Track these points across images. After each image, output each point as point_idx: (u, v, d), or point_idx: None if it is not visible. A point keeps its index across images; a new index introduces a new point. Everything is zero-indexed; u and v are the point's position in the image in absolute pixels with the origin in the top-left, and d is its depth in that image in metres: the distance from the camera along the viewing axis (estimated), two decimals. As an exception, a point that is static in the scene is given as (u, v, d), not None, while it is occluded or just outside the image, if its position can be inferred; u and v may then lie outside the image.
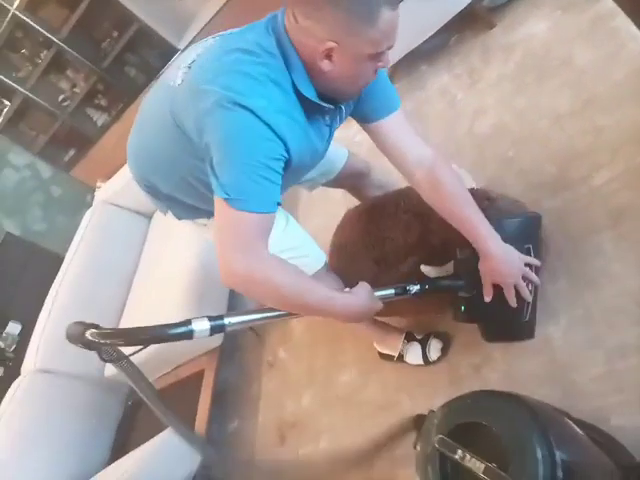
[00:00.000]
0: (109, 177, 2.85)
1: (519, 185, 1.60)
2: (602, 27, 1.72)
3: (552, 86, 1.75)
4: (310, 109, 1.00)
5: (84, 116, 3.34)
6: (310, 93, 0.97)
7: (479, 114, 1.93)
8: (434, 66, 2.28)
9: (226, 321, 0.97)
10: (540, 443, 0.70)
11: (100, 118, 3.36)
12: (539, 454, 0.69)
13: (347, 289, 1.10)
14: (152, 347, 0.95)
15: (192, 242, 2.11)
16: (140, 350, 0.95)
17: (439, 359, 1.48)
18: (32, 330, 2.22)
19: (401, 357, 1.54)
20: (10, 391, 2.00)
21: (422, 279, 1.22)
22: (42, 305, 2.26)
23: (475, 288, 1.19)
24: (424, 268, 1.28)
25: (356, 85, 1.01)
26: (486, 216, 1.14)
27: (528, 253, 1.19)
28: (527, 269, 1.16)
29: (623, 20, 1.29)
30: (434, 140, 1.93)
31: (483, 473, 0.73)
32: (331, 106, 1.02)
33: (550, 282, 1.33)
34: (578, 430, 0.84)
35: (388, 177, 1.54)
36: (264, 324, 1.91)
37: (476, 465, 0.74)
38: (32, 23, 2.80)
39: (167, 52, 2.87)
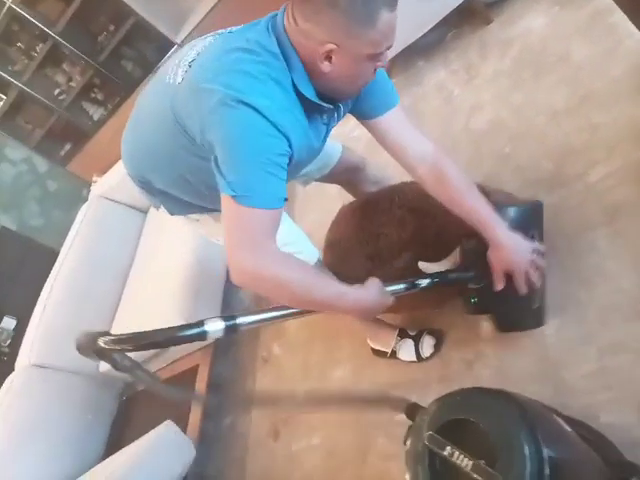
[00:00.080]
0: (105, 172, 2.84)
1: (515, 181, 1.60)
2: (600, 23, 1.71)
3: (549, 82, 1.74)
4: (309, 108, 0.99)
5: (80, 110, 3.33)
6: (310, 93, 0.97)
7: (476, 110, 1.92)
8: (431, 62, 2.26)
9: (240, 321, 0.95)
10: (528, 440, 0.70)
11: (96, 112, 3.34)
12: (527, 451, 0.69)
13: (357, 285, 1.08)
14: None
15: (188, 237, 2.10)
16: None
17: (432, 355, 1.48)
18: (27, 325, 2.22)
19: (394, 354, 1.54)
20: (4, 386, 2.01)
21: (418, 274, 1.21)
22: (37, 300, 2.26)
23: (485, 278, 1.18)
24: (422, 265, 1.28)
25: (355, 85, 1.01)
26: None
27: (533, 240, 1.19)
28: (535, 256, 1.16)
29: (621, 16, 1.28)
30: (430, 136, 1.91)
31: (471, 470, 0.73)
32: (330, 106, 1.02)
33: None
34: (567, 427, 0.84)
35: (384, 172, 1.54)
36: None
37: (464, 462, 0.74)
38: (28, 16, 2.79)
39: (164, 46, 2.85)
